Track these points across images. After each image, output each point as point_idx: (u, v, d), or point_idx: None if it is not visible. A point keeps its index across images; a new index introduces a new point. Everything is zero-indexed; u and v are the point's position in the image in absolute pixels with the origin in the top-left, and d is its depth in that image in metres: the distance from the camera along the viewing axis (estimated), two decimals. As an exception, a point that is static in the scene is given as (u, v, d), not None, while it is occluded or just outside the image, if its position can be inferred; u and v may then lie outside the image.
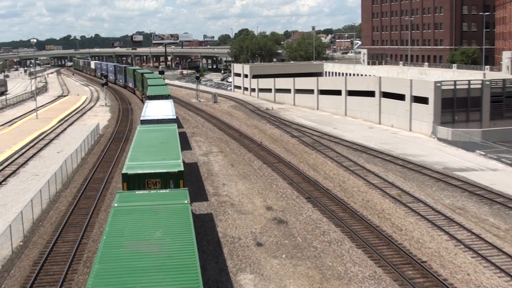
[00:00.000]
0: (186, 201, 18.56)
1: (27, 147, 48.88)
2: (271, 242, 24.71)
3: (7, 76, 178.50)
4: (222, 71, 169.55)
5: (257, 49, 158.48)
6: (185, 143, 47.73)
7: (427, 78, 75.82)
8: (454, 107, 52.03)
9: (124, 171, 23.67)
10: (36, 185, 35.03)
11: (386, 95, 59.35)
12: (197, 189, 33.66)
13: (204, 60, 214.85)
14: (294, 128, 57.47)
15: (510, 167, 38.91)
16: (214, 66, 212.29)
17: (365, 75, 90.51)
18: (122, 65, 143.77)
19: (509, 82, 54.83)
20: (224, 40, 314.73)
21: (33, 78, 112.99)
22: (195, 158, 43.34)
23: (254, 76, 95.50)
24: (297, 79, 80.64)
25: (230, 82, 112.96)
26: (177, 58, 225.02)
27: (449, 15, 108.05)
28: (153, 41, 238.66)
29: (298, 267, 22.06)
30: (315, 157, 42.81)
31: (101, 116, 72.18)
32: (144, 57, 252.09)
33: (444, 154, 43.55)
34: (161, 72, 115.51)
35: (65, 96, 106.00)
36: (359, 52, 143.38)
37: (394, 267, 21.60)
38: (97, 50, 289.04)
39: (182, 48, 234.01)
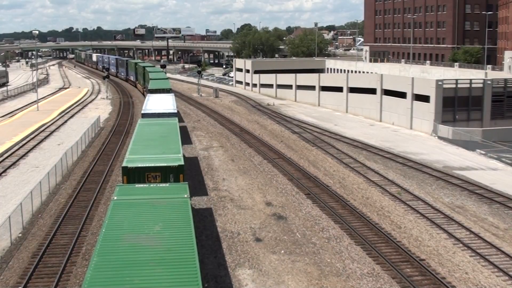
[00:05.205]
0: (186, 195, 18.56)
1: (28, 139, 48.88)
2: (270, 238, 24.73)
3: (7, 66, 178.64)
4: (224, 66, 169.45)
5: (259, 44, 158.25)
6: (185, 137, 47.72)
7: (428, 76, 75.66)
8: (455, 106, 52.02)
9: (124, 164, 23.69)
10: (36, 177, 35.04)
11: (388, 92, 59.28)
12: (197, 184, 33.67)
13: (206, 55, 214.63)
14: (295, 124, 57.44)
15: (510, 167, 38.87)
16: (216, 61, 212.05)
17: (367, 72, 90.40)
18: (124, 58, 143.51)
19: (511, 82, 54.79)
20: (226, 35, 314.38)
21: (34, 70, 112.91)
22: (195, 152, 43.34)
23: (256, 72, 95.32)
24: (298, 75, 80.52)
25: (232, 77, 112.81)
26: (179, 52, 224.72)
27: (452, 13, 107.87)
28: (156, 35, 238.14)
29: (297, 263, 22.09)
30: (316, 153, 42.81)
31: (102, 109, 72.15)
32: (146, 50, 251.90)
33: (444, 153, 43.54)
34: (163, 66, 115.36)
35: (66, 88, 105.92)
36: (361, 49, 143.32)
37: (393, 264, 21.62)
38: (99, 42, 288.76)
39: (184, 42, 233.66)
